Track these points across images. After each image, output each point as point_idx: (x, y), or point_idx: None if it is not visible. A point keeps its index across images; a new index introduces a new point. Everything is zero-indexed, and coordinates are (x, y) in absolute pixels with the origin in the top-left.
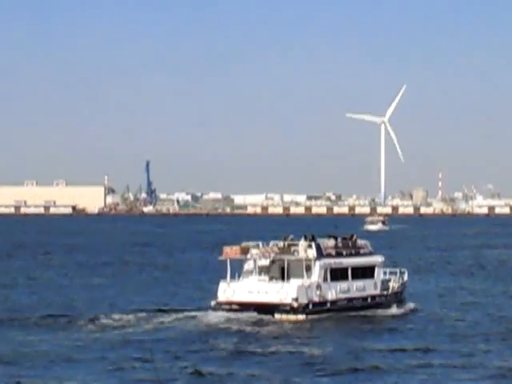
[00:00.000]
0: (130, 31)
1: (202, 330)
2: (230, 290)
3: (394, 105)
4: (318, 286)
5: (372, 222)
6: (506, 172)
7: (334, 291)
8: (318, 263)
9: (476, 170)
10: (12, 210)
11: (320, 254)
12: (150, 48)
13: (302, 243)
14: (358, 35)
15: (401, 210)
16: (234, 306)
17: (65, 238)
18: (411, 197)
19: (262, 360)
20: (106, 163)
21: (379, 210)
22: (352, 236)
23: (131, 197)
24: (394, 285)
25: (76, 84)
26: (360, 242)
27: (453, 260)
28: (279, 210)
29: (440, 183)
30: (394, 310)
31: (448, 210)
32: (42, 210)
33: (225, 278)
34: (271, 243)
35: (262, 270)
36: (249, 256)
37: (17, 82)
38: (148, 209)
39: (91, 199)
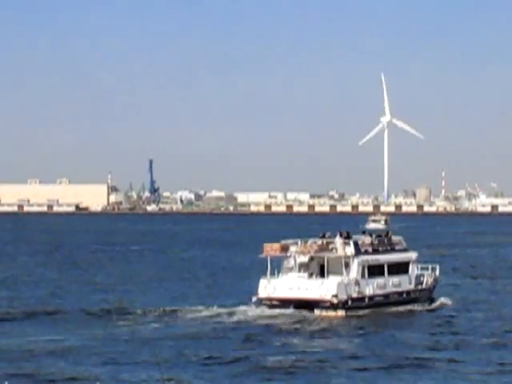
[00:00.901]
0: (133, 30)
1: (249, 325)
2: (270, 287)
3: (385, 98)
4: (357, 283)
5: (374, 221)
6: (510, 170)
7: (372, 287)
8: (356, 260)
9: (479, 168)
10: (15, 209)
11: (358, 250)
12: (153, 47)
13: (340, 240)
14: (360, 34)
15: (404, 209)
16: (275, 302)
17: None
18: (414, 195)
19: (306, 352)
20: (109, 161)
21: (382, 208)
22: (387, 233)
23: (134, 195)
24: (427, 280)
25: (79, 83)
26: (394, 238)
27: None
28: (282, 209)
29: (443, 182)
30: (428, 304)
31: (451, 208)
32: (45, 209)
33: (264, 274)
34: (310, 241)
35: (301, 267)
36: (288, 253)
37: (19, 80)
38: (151, 207)
39: (94, 198)
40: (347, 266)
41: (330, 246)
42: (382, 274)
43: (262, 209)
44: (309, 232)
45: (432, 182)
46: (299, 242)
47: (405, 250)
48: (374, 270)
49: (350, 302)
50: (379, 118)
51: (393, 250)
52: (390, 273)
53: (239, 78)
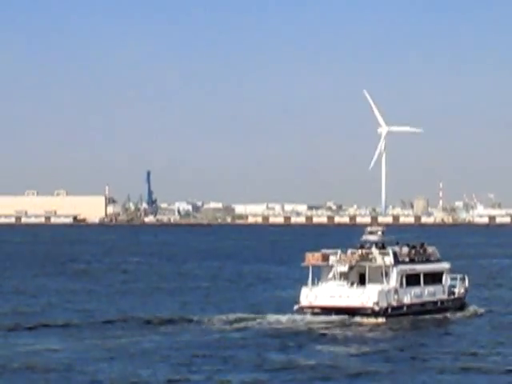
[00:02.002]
0: (128, 41)
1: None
2: (312, 295)
3: (375, 112)
4: (396, 291)
5: (371, 233)
6: (507, 181)
7: (409, 296)
8: (395, 269)
9: (477, 179)
10: (13, 220)
11: (397, 260)
12: (148, 58)
13: (378, 251)
14: (354, 43)
15: (401, 220)
16: (317, 310)
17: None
18: (412, 206)
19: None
20: (107, 173)
21: (380, 219)
22: (422, 244)
23: (132, 207)
24: (459, 290)
25: (76, 94)
26: (429, 249)
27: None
28: (280, 220)
29: (441, 193)
30: (461, 313)
31: (449, 219)
32: (42, 220)
33: (306, 283)
34: (349, 251)
35: (341, 276)
36: (329, 263)
37: (16, 91)
38: (149, 218)
39: (92, 209)
40: (387, 275)
41: (370, 256)
42: (419, 283)
43: (259, 220)
44: (307, 243)
45: (430, 193)
46: (338, 252)
47: (438, 261)
48: (411, 280)
49: (390, 310)
50: (376, 129)
51: (428, 261)
52: (426, 282)
53: (237, 90)
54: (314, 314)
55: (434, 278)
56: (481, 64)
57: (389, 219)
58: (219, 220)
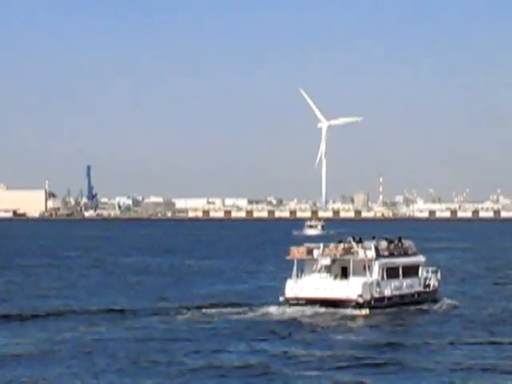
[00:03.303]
0: (66, 35)
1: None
2: (297, 287)
3: (314, 108)
4: (378, 284)
5: (310, 227)
6: (447, 176)
7: (390, 288)
8: (377, 263)
9: (417, 174)
10: None
11: (378, 254)
12: (83, 52)
13: (360, 244)
14: (285, 35)
15: (342, 214)
16: (301, 302)
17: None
18: (352, 201)
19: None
20: (47, 167)
21: (320, 214)
22: (400, 238)
23: (72, 201)
24: (433, 282)
25: (16, 88)
26: (406, 243)
27: None
28: (221, 214)
29: (381, 187)
30: (436, 305)
31: (389, 214)
32: None
33: (290, 276)
34: (331, 245)
35: (324, 269)
36: (314, 256)
37: None
38: (89, 213)
39: (32, 203)
40: (369, 268)
41: (352, 250)
42: (398, 276)
43: (200, 214)
44: (248, 237)
45: (370, 188)
46: (321, 246)
47: (415, 254)
48: (391, 273)
49: (372, 302)
50: (316, 124)
51: (406, 254)
52: (404, 275)
53: (178, 81)
54: (298, 305)
55: (411, 270)
56: (412, 61)
57: (329, 213)
58: (159, 214)
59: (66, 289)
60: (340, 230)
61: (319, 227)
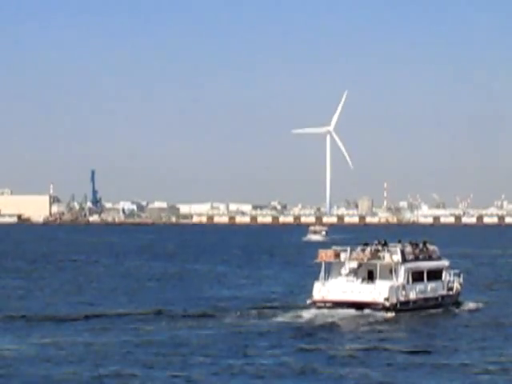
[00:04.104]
0: (68, 37)
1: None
2: (324, 290)
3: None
4: (404, 287)
5: (314, 232)
6: (451, 182)
7: (415, 291)
8: (403, 267)
9: (421, 179)
10: None
11: (404, 258)
12: (90, 56)
13: (387, 249)
14: (298, 44)
15: (346, 220)
16: (328, 304)
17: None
18: (357, 206)
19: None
20: (52, 172)
21: (325, 219)
22: (425, 242)
23: (76, 206)
24: (456, 286)
25: (20, 92)
26: (430, 247)
27: None
28: (225, 220)
29: (385, 193)
30: (459, 308)
31: (393, 219)
32: None
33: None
34: (358, 248)
35: (351, 272)
36: (341, 259)
37: None
38: (93, 218)
39: (36, 208)
40: (395, 272)
41: (379, 254)
42: (422, 279)
43: (204, 220)
44: (252, 243)
45: (374, 193)
46: (348, 250)
47: (439, 258)
48: (416, 276)
49: (398, 305)
50: (321, 125)
51: (430, 258)
52: (429, 279)
53: (181, 87)
54: (325, 307)
55: (436, 274)
56: (420, 68)
57: (333, 219)
58: (164, 220)
59: (75, 293)
60: (344, 235)
61: (323, 233)
